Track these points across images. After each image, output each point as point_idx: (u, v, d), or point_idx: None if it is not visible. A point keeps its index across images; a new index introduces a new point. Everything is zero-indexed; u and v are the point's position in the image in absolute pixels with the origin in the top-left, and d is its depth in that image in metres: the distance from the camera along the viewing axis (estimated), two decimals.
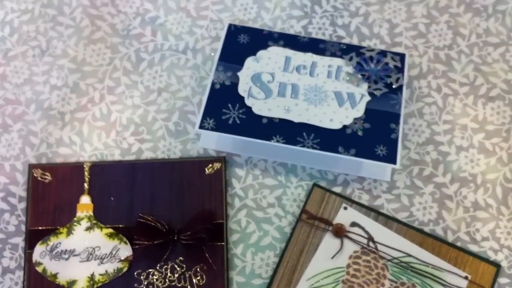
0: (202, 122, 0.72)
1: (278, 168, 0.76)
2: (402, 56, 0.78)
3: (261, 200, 0.74)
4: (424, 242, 0.71)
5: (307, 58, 0.78)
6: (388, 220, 0.72)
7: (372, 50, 0.78)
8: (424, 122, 0.78)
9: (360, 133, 0.72)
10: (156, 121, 0.78)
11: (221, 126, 0.72)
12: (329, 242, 0.71)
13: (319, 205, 0.73)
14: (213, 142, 0.76)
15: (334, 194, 0.74)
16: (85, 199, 0.72)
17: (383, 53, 0.78)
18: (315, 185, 0.74)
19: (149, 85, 0.80)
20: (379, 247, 0.71)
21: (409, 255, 0.70)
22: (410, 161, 0.75)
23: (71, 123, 0.78)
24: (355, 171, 0.75)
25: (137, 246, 0.70)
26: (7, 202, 0.74)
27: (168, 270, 0.70)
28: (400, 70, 0.77)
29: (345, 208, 0.73)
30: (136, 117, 0.78)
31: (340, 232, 0.71)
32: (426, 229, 0.72)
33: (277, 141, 0.71)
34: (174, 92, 0.80)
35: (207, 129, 0.71)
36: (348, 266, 0.70)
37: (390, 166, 0.73)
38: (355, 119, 0.73)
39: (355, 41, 0.83)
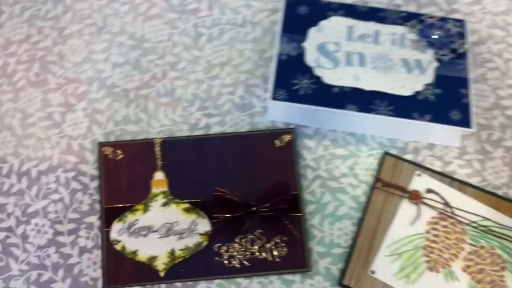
0: (274, 93, 0.67)
1: (348, 138, 0.72)
2: (462, 22, 0.74)
3: (333, 170, 0.70)
4: (499, 205, 0.68)
5: (370, 26, 0.73)
6: (462, 185, 0.69)
7: (433, 17, 0.74)
8: (488, 87, 0.74)
9: (432, 98, 0.68)
10: (221, 96, 0.73)
11: (294, 97, 0.67)
12: (406, 209, 0.68)
13: (392, 173, 0.69)
14: (281, 114, 0.72)
15: (406, 161, 0.70)
16: (159, 175, 0.68)
17: (444, 20, 0.74)
18: (386, 153, 0.70)
19: (210, 60, 0.75)
20: (456, 212, 0.67)
21: (487, 219, 0.67)
22: (478, 126, 0.72)
23: (136, 100, 0.73)
24: (425, 137, 0.71)
25: (215, 220, 0.65)
26: (79, 181, 0.69)
27: (248, 243, 0.66)
28: (462, 35, 0.73)
29: (419, 175, 0.69)
30: (201, 92, 0.73)
31: (417, 199, 0.67)
32: (500, 192, 0.69)
33: (351, 109, 0.66)
34: (237, 65, 0.75)
35: (280, 100, 0.66)
36: (427, 232, 0.67)
37: (459, 131, 0.69)
38: (425, 85, 0.69)
39: (412, 9, 0.78)
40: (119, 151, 0.69)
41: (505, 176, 0.69)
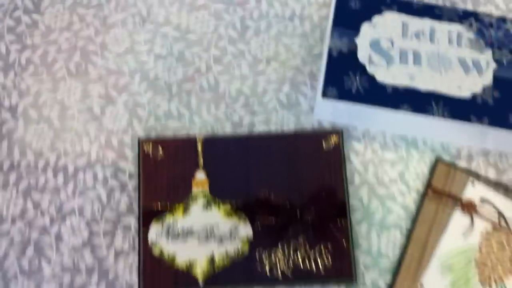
0: (324, 91, 0.63)
1: (398, 141, 0.67)
2: None
3: (382, 176, 0.66)
4: None
5: (425, 23, 0.69)
6: None
7: (491, 16, 0.69)
8: None
9: (490, 101, 0.63)
10: (266, 92, 0.70)
11: (345, 95, 0.64)
12: (458, 219, 0.64)
13: (445, 181, 0.65)
14: (329, 113, 0.68)
15: (460, 168, 0.65)
16: (201, 175, 0.65)
17: (502, 20, 0.69)
18: (438, 159, 0.66)
19: (256, 54, 0.71)
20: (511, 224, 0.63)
21: None
22: None
23: (178, 95, 0.69)
24: (480, 142, 0.67)
25: (258, 225, 0.62)
26: (117, 178, 0.66)
27: (291, 250, 0.62)
28: None
29: (473, 184, 0.64)
30: (246, 88, 0.70)
31: (470, 209, 0.63)
32: None
33: (406, 110, 0.62)
34: (284, 61, 0.71)
35: (331, 98, 0.62)
36: (480, 244, 0.62)
37: None
38: (484, 87, 0.64)
39: (469, 7, 0.73)
40: (159, 149, 0.66)
41: None
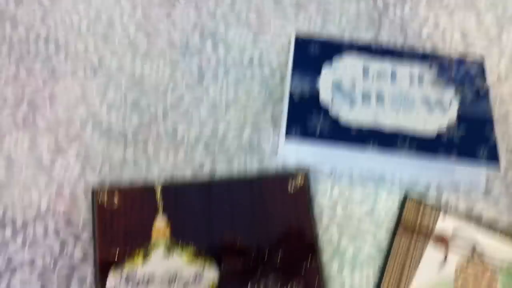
0: (287, 131, 0.82)
1: (365, 179, 0.86)
2: (481, 62, 0.92)
3: (351, 214, 0.84)
4: None
5: (386, 65, 0.91)
6: (489, 228, 0.83)
7: (450, 57, 0.92)
8: (511, 127, 0.91)
9: (456, 139, 0.83)
10: (227, 137, 0.88)
11: (309, 136, 0.82)
12: (431, 253, 0.81)
13: (415, 216, 0.83)
14: (293, 155, 0.86)
15: (429, 204, 0.85)
16: (161, 223, 0.80)
17: (461, 60, 0.92)
18: (407, 195, 0.85)
19: (215, 99, 0.91)
20: (485, 256, 0.81)
21: None
22: (502, 169, 0.87)
23: (134, 142, 0.87)
24: (448, 177, 0.86)
25: (224, 270, 0.77)
26: (70, 229, 0.81)
27: None
28: (483, 75, 0.90)
29: (443, 217, 0.83)
30: (206, 133, 0.88)
31: (442, 242, 0.81)
32: None
33: (371, 150, 0.81)
34: (244, 106, 0.91)
35: (295, 141, 0.81)
36: (456, 277, 0.80)
37: (484, 173, 0.85)
38: (448, 125, 0.85)
39: (428, 50, 0.96)
40: (115, 198, 0.81)
41: None
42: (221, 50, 0.94)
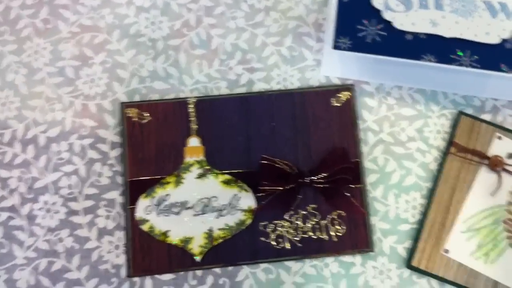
0: (336, 41, 0.66)
1: (416, 96, 0.71)
2: None
3: (399, 134, 0.70)
4: None
5: None
6: None
7: None
8: None
9: None
10: (266, 46, 0.73)
11: (360, 45, 0.67)
12: (485, 177, 0.68)
13: (469, 136, 0.69)
14: (338, 68, 0.72)
15: (485, 122, 0.70)
16: (194, 141, 0.68)
17: None
18: (461, 113, 0.70)
19: (253, 4, 0.74)
20: None
21: None
22: None
23: (165, 52, 0.72)
24: (506, 94, 0.71)
25: (261, 194, 0.65)
26: (97, 149, 0.69)
27: (300, 220, 0.66)
28: None
29: (500, 138, 0.69)
30: (242, 42, 0.73)
31: (498, 165, 0.68)
32: None
33: (429, 61, 0.65)
34: (285, 11, 0.74)
35: (344, 49, 0.66)
36: (509, 203, 0.67)
37: None
38: None
39: None
40: (145, 113, 0.68)
41: None
42: None
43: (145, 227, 0.65)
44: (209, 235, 0.65)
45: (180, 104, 0.69)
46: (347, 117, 0.70)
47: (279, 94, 0.70)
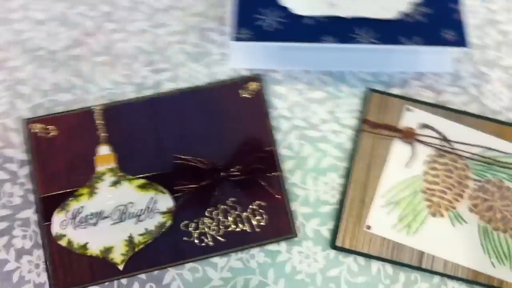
0: (236, 33, 0.65)
1: (324, 78, 0.70)
2: None
3: (311, 118, 0.69)
4: (502, 132, 0.68)
5: None
6: (458, 115, 0.69)
7: None
8: (478, 2, 0.74)
9: (419, 18, 0.67)
10: (170, 45, 0.71)
11: (259, 35, 0.65)
12: (398, 150, 0.67)
13: (379, 111, 0.69)
14: (244, 59, 0.70)
15: (393, 96, 0.69)
16: (104, 149, 0.65)
17: None
18: (370, 90, 0.69)
19: (152, 4, 0.72)
20: (455, 146, 0.67)
21: (490, 149, 0.67)
22: (471, 46, 0.71)
23: (66, 63, 0.69)
24: (412, 66, 0.71)
25: (179, 194, 0.63)
26: (5, 169, 0.66)
27: (221, 215, 0.64)
28: None
29: (410, 110, 0.68)
30: (145, 44, 0.70)
31: (410, 137, 0.67)
32: (501, 117, 0.69)
33: (329, 42, 0.64)
34: (186, 8, 0.72)
35: (245, 40, 0.64)
36: (425, 173, 0.66)
37: (451, 54, 0.69)
38: (411, 3, 0.68)
39: None
40: (51, 127, 0.66)
41: (505, 99, 0.70)
42: None
43: (63, 242, 0.63)
44: (130, 241, 0.63)
45: (86, 113, 0.66)
46: (258, 107, 0.68)
47: (187, 92, 0.68)
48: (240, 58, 0.70)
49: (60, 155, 0.65)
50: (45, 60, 0.69)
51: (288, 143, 0.67)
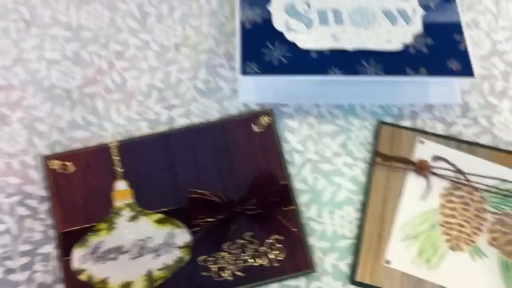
0: (243, 67, 0.65)
1: (335, 111, 0.70)
2: None
3: (324, 151, 0.68)
4: None
5: None
6: (471, 146, 0.68)
7: None
8: (482, 33, 0.73)
9: (424, 50, 0.66)
10: (181, 82, 0.70)
11: (267, 68, 0.65)
12: (413, 182, 0.66)
13: (391, 144, 0.68)
14: (254, 93, 0.70)
15: (404, 128, 0.68)
16: (121, 185, 0.64)
17: None
18: (381, 122, 0.69)
19: (162, 42, 0.72)
20: (470, 178, 0.66)
21: (506, 181, 0.65)
22: (478, 77, 0.70)
23: (81, 101, 0.69)
24: (421, 98, 0.70)
25: (196, 228, 0.62)
26: (25, 205, 0.65)
27: (239, 250, 0.63)
28: None
29: (422, 142, 0.67)
30: (157, 81, 0.70)
31: (423, 169, 0.66)
32: None
33: (335, 74, 0.64)
34: (195, 45, 0.72)
35: (252, 74, 0.64)
36: (442, 206, 0.65)
37: (459, 84, 0.69)
38: (414, 35, 0.67)
39: None
40: (69, 163, 0.65)
41: None
42: None
43: (83, 277, 0.61)
44: (149, 277, 0.62)
45: (102, 149, 0.66)
46: (270, 141, 0.67)
47: (199, 127, 0.68)
48: (250, 92, 0.69)
49: (79, 191, 0.64)
50: (61, 98, 0.69)
51: (302, 176, 0.66)
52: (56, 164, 0.65)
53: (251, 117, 0.68)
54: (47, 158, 0.65)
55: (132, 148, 0.66)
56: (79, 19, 0.73)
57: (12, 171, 0.66)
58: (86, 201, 0.64)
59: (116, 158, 0.65)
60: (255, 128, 0.67)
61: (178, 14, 0.74)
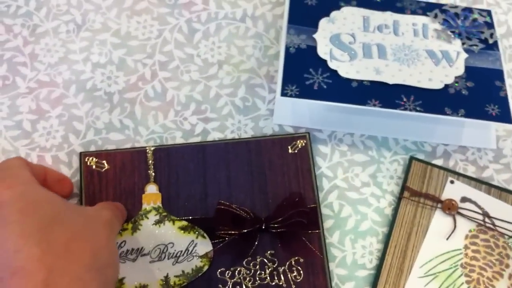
0: (283, 89, 0.64)
1: (367, 142, 0.68)
2: (488, 12, 0.73)
3: (353, 179, 0.66)
4: None
5: (387, 17, 0.71)
6: (501, 192, 0.65)
7: (456, 6, 0.73)
8: None
9: (464, 92, 0.65)
10: (220, 97, 0.70)
11: (306, 92, 0.64)
12: (440, 221, 0.64)
13: (422, 180, 0.66)
14: (290, 116, 0.69)
15: (436, 167, 0.66)
16: (152, 188, 0.63)
17: (468, 9, 0.73)
18: (413, 158, 0.67)
19: (207, 58, 0.72)
20: (497, 223, 0.63)
21: None
22: None
23: (120, 105, 0.69)
24: (456, 139, 0.68)
25: (218, 240, 0.60)
26: None
27: (258, 266, 0.61)
28: (491, 25, 0.71)
29: (452, 182, 0.65)
30: (197, 94, 0.70)
31: (452, 209, 0.64)
32: None
33: (373, 106, 0.63)
34: (237, 64, 0.72)
35: (291, 96, 0.63)
36: (466, 247, 0.63)
37: (495, 131, 0.67)
38: (456, 77, 0.66)
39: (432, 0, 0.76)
40: (104, 161, 0.64)
41: None
42: (212, 5, 0.74)
43: None
44: (166, 282, 0.60)
45: (139, 152, 0.65)
46: (303, 164, 0.66)
47: (234, 142, 0.67)
48: (286, 115, 0.68)
49: (110, 190, 0.63)
50: (102, 100, 0.69)
51: (329, 202, 0.65)
52: (93, 161, 0.64)
53: (288, 138, 0.67)
54: (84, 154, 0.65)
55: (166, 154, 0.65)
56: (128, 27, 0.73)
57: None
58: (116, 200, 0.63)
59: (150, 162, 0.64)
60: (290, 149, 0.66)
61: (225, 33, 0.74)
